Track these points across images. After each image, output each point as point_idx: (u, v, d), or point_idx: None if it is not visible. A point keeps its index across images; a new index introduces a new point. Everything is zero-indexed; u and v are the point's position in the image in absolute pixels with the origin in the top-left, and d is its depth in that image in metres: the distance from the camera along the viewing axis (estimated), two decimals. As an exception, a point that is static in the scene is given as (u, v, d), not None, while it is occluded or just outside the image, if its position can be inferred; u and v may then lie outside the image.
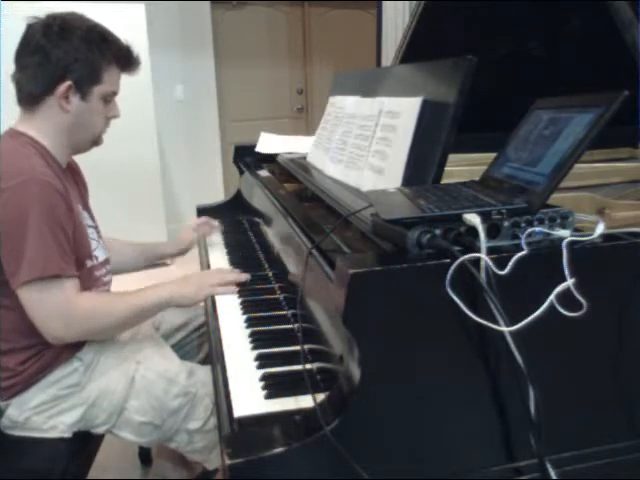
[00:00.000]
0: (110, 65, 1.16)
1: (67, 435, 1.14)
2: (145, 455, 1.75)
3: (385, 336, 0.68)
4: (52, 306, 1.06)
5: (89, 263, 1.19)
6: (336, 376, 0.76)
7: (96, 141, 1.23)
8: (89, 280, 1.18)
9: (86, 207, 1.29)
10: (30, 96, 1.13)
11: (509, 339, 0.64)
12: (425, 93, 0.99)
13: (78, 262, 1.13)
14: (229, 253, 1.56)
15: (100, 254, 1.26)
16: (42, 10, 1.15)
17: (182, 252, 1.61)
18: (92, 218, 1.30)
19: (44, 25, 1.11)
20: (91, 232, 1.24)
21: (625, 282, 0.75)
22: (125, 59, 1.19)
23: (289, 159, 1.68)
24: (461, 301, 0.65)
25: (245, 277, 1.26)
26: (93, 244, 1.23)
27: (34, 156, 1.09)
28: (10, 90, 1.15)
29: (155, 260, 1.61)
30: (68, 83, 1.11)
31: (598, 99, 0.72)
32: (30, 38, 1.11)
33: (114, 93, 1.20)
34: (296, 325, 1.04)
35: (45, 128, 1.14)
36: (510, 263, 0.66)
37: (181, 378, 1.18)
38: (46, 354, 1.12)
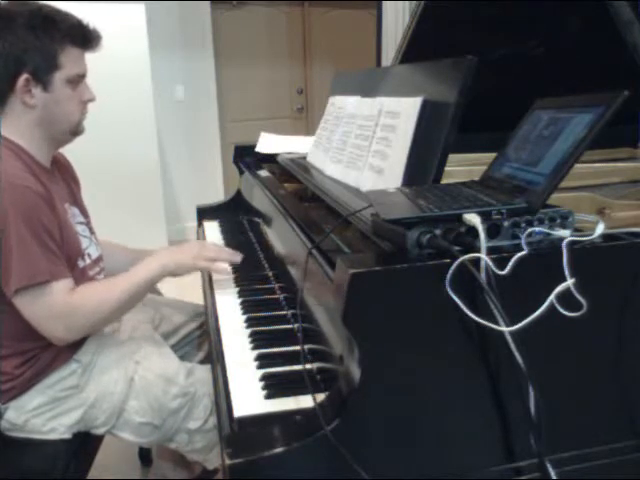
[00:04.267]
0: (64, 46, 1.08)
1: (67, 436, 1.14)
2: (145, 455, 1.75)
3: (385, 336, 0.68)
4: (48, 310, 1.05)
5: (81, 263, 1.17)
6: (336, 376, 0.76)
7: (75, 131, 1.16)
8: (82, 280, 1.16)
9: (76, 203, 1.26)
10: None
11: (509, 339, 0.64)
12: (425, 93, 0.99)
13: (69, 263, 1.11)
14: (229, 253, 1.55)
15: (93, 251, 1.24)
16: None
17: None
18: (84, 214, 1.28)
19: None
20: (82, 229, 1.22)
21: (625, 282, 0.75)
22: (80, 36, 1.11)
23: (289, 159, 1.68)
24: (461, 301, 0.65)
25: (239, 258, 1.26)
26: (85, 242, 1.21)
27: (10, 159, 1.05)
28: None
29: None
30: (25, 76, 1.05)
31: (598, 99, 0.72)
32: None
33: (80, 75, 1.13)
34: (296, 325, 1.04)
35: (17, 128, 1.09)
36: (510, 263, 0.66)
37: (180, 378, 1.18)
38: (42, 358, 1.11)
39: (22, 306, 1.04)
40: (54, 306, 1.05)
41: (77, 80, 1.13)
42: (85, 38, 1.12)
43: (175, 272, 1.19)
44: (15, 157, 1.07)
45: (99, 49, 1.16)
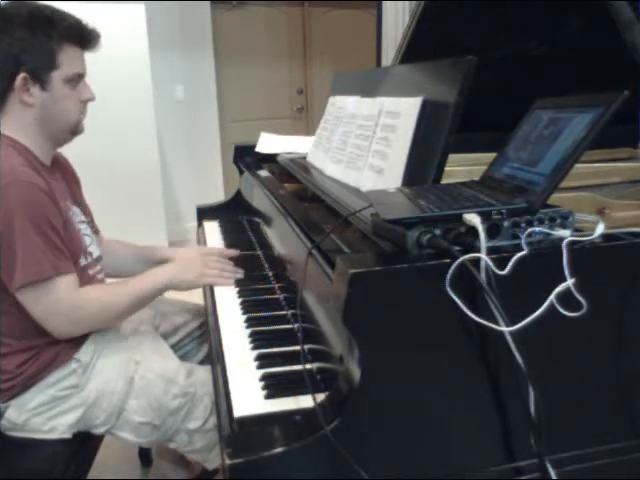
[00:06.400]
0: (63, 46, 1.08)
1: (67, 436, 1.14)
2: (145, 455, 1.75)
3: (385, 336, 0.68)
4: (53, 305, 1.06)
5: (83, 261, 1.18)
6: (336, 376, 0.76)
7: (74, 130, 1.17)
8: (83, 278, 1.16)
9: (77, 202, 1.27)
10: None
11: (509, 339, 0.64)
12: (425, 93, 0.99)
13: (71, 260, 1.12)
14: (229, 253, 1.55)
15: (94, 250, 1.25)
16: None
17: None
18: (85, 213, 1.29)
19: None
20: (84, 227, 1.23)
21: (625, 282, 0.75)
22: (79, 36, 1.11)
23: (289, 159, 1.68)
24: (461, 301, 0.65)
25: (240, 275, 1.29)
26: (87, 240, 1.22)
27: (12, 156, 1.06)
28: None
29: (155, 264, 1.55)
30: (23, 75, 1.06)
31: (598, 99, 0.72)
32: None
33: (79, 75, 1.13)
34: (296, 325, 1.04)
35: (18, 127, 1.10)
36: (510, 263, 0.66)
37: (180, 378, 1.18)
38: (43, 356, 1.12)
39: (26, 302, 1.05)
40: (59, 302, 1.06)
41: (76, 79, 1.13)
42: (84, 38, 1.13)
43: (178, 288, 1.22)
44: (17, 154, 1.08)
45: (98, 49, 1.17)
